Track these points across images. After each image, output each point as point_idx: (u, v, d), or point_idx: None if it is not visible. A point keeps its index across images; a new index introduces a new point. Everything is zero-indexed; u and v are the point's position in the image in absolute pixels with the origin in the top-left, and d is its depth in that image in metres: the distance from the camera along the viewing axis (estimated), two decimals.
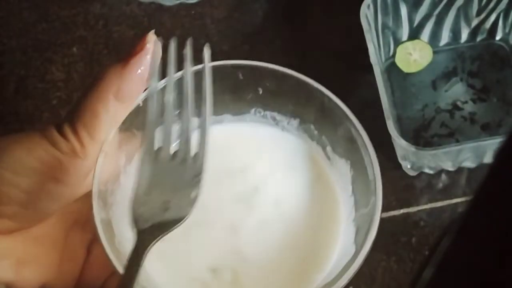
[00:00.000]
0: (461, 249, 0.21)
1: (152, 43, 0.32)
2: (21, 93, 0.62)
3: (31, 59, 0.64)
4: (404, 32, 0.61)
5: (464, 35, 0.62)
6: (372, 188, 0.32)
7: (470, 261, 0.20)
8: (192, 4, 0.66)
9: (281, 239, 0.34)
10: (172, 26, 0.66)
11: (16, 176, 0.30)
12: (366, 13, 0.56)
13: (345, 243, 0.34)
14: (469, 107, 0.59)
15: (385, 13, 0.59)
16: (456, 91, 0.60)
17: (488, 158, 0.56)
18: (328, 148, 0.36)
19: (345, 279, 0.30)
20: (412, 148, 0.54)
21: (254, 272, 0.33)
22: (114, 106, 0.31)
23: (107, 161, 0.31)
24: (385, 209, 0.56)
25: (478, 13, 0.61)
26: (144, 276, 0.30)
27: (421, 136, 0.58)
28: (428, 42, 0.61)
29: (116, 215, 0.32)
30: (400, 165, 0.57)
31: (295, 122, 0.37)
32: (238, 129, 0.36)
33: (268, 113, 0.37)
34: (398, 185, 0.57)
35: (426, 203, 0.57)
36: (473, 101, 0.59)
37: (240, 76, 0.35)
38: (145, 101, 0.32)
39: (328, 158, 0.36)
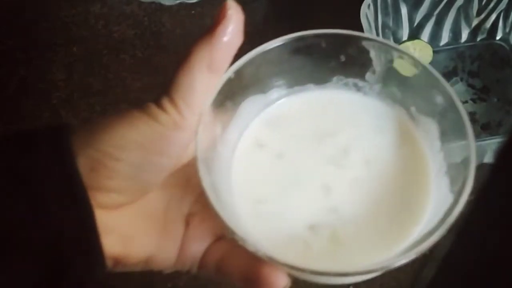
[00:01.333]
0: (461, 249, 0.21)
1: (233, 9, 0.33)
2: (21, 92, 0.62)
3: (31, 59, 0.64)
4: (404, 32, 0.61)
5: (464, 35, 0.62)
6: (464, 137, 0.34)
7: (470, 261, 0.20)
8: (192, 4, 0.66)
9: (374, 196, 0.35)
10: (172, 26, 0.66)
11: (122, 151, 0.31)
12: (366, 13, 0.56)
13: (440, 194, 0.34)
14: (469, 107, 0.59)
15: (385, 13, 0.59)
16: (456, 90, 0.60)
17: (488, 158, 0.56)
18: (412, 109, 0.37)
19: (446, 226, 0.30)
20: None
21: (351, 229, 0.34)
22: (207, 77, 0.32)
23: (205, 131, 0.33)
24: None
25: (478, 13, 0.61)
26: (243, 232, 0.32)
27: None
28: (428, 42, 0.61)
29: (216, 182, 0.33)
30: None
31: (377, 87, 0.38)
32: (322, 96, 0.38)
33: (350, 80, 0.38)
34: None
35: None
36: (473, 101, 0.60)
37: (323, 45, 0.36)
38: (237, 72, 0.34)
39: (413, 118, 0.37)
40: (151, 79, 0.63)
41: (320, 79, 0.38)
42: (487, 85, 0.60)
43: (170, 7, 0.66)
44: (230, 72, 0.34)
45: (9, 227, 0.30)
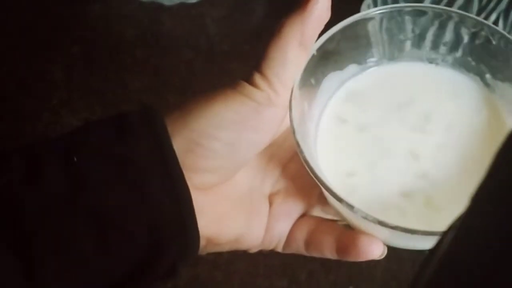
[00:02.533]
0: (461, 249, 0.21)
1: None
2: (21, 92, 0.62)
3: (31, 59, 0.64)
4: None
5: None
6: None
7: (470, 261, 0.20)
8: (192, 4, 0.66)
9: (460, 159, 0.35)
10: (172, 26, 0.66)
11: (218, 130, 0.32)
12: None
13: None
14: None
15: None
16: None
17: None
18: (488, 76, 0.38)
19: None
20: None
21: (444, 192, 0.35)
22: (299, 52, 0.33)
23: (296, 106, 0.33)
24: None
25: (478, 13, 0.61)
26: (341, 211, 0.33)
27: None
28: None
29: (309, 155, 0.34)
30: None
31: (450, 58, 0.38)
32: (396, 69, 0.39)
33: (423, 52, 0.39)
34: None
35: None
36: None
37: (399, 19, 0.37)
38: (319, 49, 0.35)
39: (488, 85, 0.38)
40: (151, 79, 0.63)
41: (393, 54, 0.39)
42: None
43: (170, 7, 0.66)
44: (314, 50, 0.35)
45: (111, 210, 0.31)
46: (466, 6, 0.60)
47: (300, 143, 0.33)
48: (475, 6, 0.60)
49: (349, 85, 0.38)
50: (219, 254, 0.55)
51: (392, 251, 0.54)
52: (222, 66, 0.63)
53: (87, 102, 0.62)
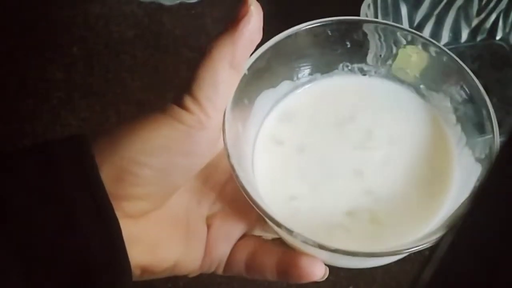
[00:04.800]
0: (461, 249, 0.21)
1: (254, 5, 0.33)
2: (21, 93, 0.62)
3: (31, 59, 0.64)
4: None
5: (464, 35, 0.62)
6: (481, 109, 0.35)
7: (470, 261, 0.20)
8: (192, 4, 0.66)
9: (403, 173, 0.35)
10: (172, 26, 0.66)
11: (148, 157, 0.31)
12: (366, 13, 0.56)
13: (465, 164, 0.35)
14: None
15: (385, 13, 0.59)
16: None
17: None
18: (422, 87, 0.38)
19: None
20: None
21: (388, 207, 0.34)
22: (230, 74, 0.32)
23: (230, 128, 0.33)
24: None
25: (478, 13, 0.61)
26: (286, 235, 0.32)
27: None
28: None
29: (246, 179, 0.33)
30: None
31: (383, 70, 0.38)
32: (330, 84, 0.38)
33: (355, 65, 0.38)
34: None
35: None
36: None
37: (329, 33, 0.37)
38: (250, 68, 0.34)
39: (423, 95, 0.38)
40: (151, 79, 0.63)
41: (327, 68, 0.38)
42: (487, 85, 0.60)
43: (170, 7, 0.66)
44: (244, 69, 0.34)
45: (38, 244, 0.29)
46: (466, 6, 0.60)
47: (235, 167, 0.32)
48: (475, 6, 0.60)
49: (283, 104, 0.37)
50: None
51: None
52: None
53: (87, 102, 0.62)
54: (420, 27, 0.61)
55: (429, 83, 0.37)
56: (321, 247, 0.30)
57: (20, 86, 0.63)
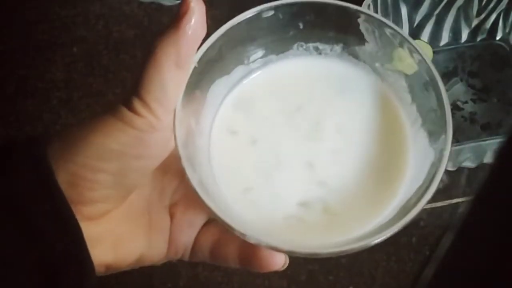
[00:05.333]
0: (461, 249, 0.21)
1: (194, 1, 0.33)
2: (21, 93, 0.62)
3: (31, 59, 0.64)
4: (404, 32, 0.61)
5: (464, 35, 0.62)
6: (434, 89, 0.34)
7: (470, 261, 0.20)
8: None
9: (357, 162, 0.35)
10: None
11: (100, 162, 0.31)
12: None
13: (420, 147, 0.35)
14: (469, 107, 0.59)
15: (385, 13, 0.59)
16: (456, 91, 0.60)
17: (488, 158, 0.56)
18: (377, 65, 0.37)
19: (437, 179, 0.32)
20: None
21: (341, 196, 0.35)
22: (176, 73, 0.32)
23: (181, 126, 0.33)
24: None
25: (478, 13, 0.61)
26: (241, 225, 0.32)
27: None
28: (428, 42, 0.61)
29: (201, 176, 0.33)
30: None
31: (338, 48, 0.38)
32: (283, 68, 0.38)
33: (310, 45, 0.38)
34: None
35: (426, 203, 0.56)
36: (473, 101, 0.60)
37: (280, 16, 0.36)
38: (201, 61, 0.34)
39: (379, 73, 0.37)
40: None
41: (281, 49, 0.38)
42: (487, 85, 0.60)
43: (170, 7, 0.66)
44: (194, 62, 0.34)
45: (0, 250, 0.29)
46: (466, 6, 0.60)
47: (187, 170, 0.32)
48: (475, 6, 0.60)
49: (236, 91, 0.37)
50: None
51: (392, 251, 0.54)
52: None
53: (87, 102, 0.62)
54: (420, 27, 0.61)
55: (385, 60, 0.37)
56: (273, 248, 0.31)
57: (20, 86, 0.63)
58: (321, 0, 0.36)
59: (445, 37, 0.62)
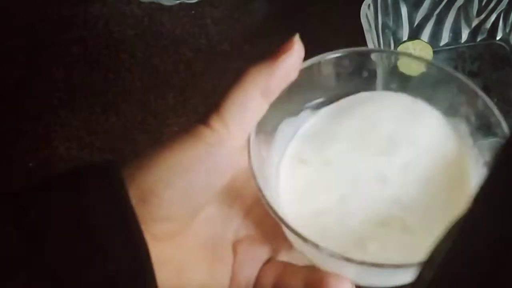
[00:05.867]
0: (461, 249, 0.21)
1: (298, 44, 0.33)
2: (21, 93, 0.62)
3: (31, 59, 0.64)
4: (404, 32, 0.61)
5: (464, 35, 0.62)
6: (495, 129, 0.36)
7: (470, 261, 0.20)
8: (192, 4, 0.66)
9: (427, 177, 0.35)
10: (172, 26, 0.66)
11: (170, 177, 0.32)
12: (366, 13, 0.56)
13: (480, 169, 0.36)
14: None
15: (385, 13, 0.59)
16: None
17: (488, 158, 0.56)
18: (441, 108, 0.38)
19: None
20: None
21: (418, 214, 0.34)
22: (259, 101, 0.33)
23: (255, 151, 0.33)
24: None
25: (478, 13, 0.61)
26: (316, 255, 0.32)
27: None
28: (428, 42, 0.61)
29: (272, 199, 0.33)
30: None
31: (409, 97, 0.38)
32: (350, 100, 0.38)
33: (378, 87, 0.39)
34: None
35: None
36: None
37: (345, 64, 0.37)
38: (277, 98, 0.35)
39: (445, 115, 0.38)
40: (151, 79, 0.63)
41: (343, 95, 0.38)
42: (487, 85, 0.60)
43: (170, 7, 0.66)
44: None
45: (69, 266, 0.30)
46: (466, 6, 0.60)
47: (262, 187, 0.32)
48: (475, 6, 0.60)
49: (304, 128, 0.37)
50: None
51: None
52: (222, 66, 0.63)
53: (87, 102, 0.62)
54: (420, 27, 0.61)
55: (441, 107, 0.38)
56: (348, 259, 0.30)
57: (20, 86, 0.63)
58: (389, 50, 0.37)
59: (445, 37, 0.62)
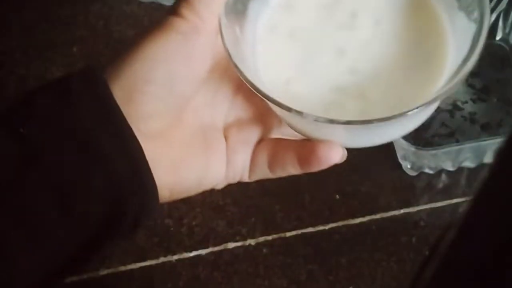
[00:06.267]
0: (461, 249, 0.21)
1: None
2: (21, 92, 0.62)
3: (31, 59, 0.64)
4: None
5: None
6: None
7: (470, 261, 0.20)
8: None
9: (391, 50, 0.36)
10: None
11: (149, 72, 0.32)
12: None
13: (460, 27, 0.35)
14: (469, 107, 0.59)
15: None
16: (456, 91, 0.60)
17: (488, 158, 0.56)
18: None
19: (481, 43, 0.32)
20: (412, 148, 0.54)
21: (375, 83, 0.35)
22: None
23: (228, 30, 0.33)
24: (385, 209, 0.56)
25: None
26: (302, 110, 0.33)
27: (421, 136, 0.58)
28: None
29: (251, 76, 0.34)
30: (400, 165, 0.57)
31: None
32: None
33: None
34: (398, 185, 0.57)
35: (426, 203, 0.57)
36: (473, 101, 0.59)
37: None
38: None
39: None
40: None
41: None
42: (487, 85, 0.60)
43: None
44: None
45: (68, 174, 0.31)
46: None
47: (239, 65, 0.32)
48: None
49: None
50: (219, 255, 0.55)
51: (392, 251, 0.54)
52: None
53: None
54: None
55: None
56: (332, 121, 0.31)
57: (20, 86, 0.63)
58: None
59: None
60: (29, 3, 0.66)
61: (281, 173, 0.36)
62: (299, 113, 0.31)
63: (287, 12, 0.37)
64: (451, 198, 0.57)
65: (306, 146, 0.34)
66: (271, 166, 0.36)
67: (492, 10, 0.60)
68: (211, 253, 0.55)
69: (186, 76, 0.33)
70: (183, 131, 0.34)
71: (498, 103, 0.59)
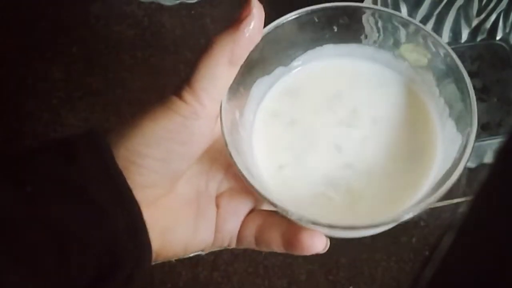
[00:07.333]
0: (461, 249, 0.21)
1: (256, 7, 0.35)
2: (21, 93, 0.62)
3: (31, 59, 0.64)
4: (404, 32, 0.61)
5: (464, 35, 0.62)
6: (461, 81, 0.36)
7: (470, 260, 0.20)
8: (192, 4, 0.66)
9: (384, 149, 0.38)
10: (172, 26, 0.66)
11: (148, 147, 0.34)
12: None
13: (448, 135, 0.37)
14: None
15: None
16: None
17: (488, 158, 0.56)
18: (406, 64, 0.40)
19: (465, 158, 0.34)
20: None
21: (366, 181, 0.37)
22: (228, 69, 0.34)
23: (227, 116, 0.35)
24: None
25: (478, 13, 0.61)
26: (287, 207, 0.34)
27: None
28: None
29: (244, 159, 0.35)
30: None
31: (370, 49, 0.40)
32: (322, 64, 0.40)
33: (342, 45, 0.40)
34: None
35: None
36: None
37: (316, 20, 0.39)
38: (246, 59, 0.36)
39: (410, 71, 0.40)
40: (151, 79, 0.63)
41: (319, 52, 0.40)
42: (487, 85, 0.60)
43: (170, 7, 0.67)
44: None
45: (69, 225, 0.32)
46: (466, 6, 0.60)
47: (233, 154, 0.34)
48: (475, 6, 0.60)
49: (281, 82, 0.40)
50: (219, 255, 0.55)
51: (392, 251, 0.54)
52: None
53: (87, 102, 0.62)
54: None
55: (413, 59, 0.39)
56: (314, 223, 0.33)
57: (20, 86, 0.63)
58: (355, 5, 0.38)
59: (445, 37, 0.62)
60: (29, 3, 0.66)
61: (265, 249, 0.38)
62: (285, 211, 0.33)
63: (291, 99, 0.39)
64: (451, 198, 0.57)
65: (292, 230, 0.36)
66: (257, 241, 0.37)
67: (492, 10, 0.60)
68: (211, 253, 0.55)
69: (183, 155, 0.34)
70: (176, 199, 0.36)
71: (498, 103, 0.59)
